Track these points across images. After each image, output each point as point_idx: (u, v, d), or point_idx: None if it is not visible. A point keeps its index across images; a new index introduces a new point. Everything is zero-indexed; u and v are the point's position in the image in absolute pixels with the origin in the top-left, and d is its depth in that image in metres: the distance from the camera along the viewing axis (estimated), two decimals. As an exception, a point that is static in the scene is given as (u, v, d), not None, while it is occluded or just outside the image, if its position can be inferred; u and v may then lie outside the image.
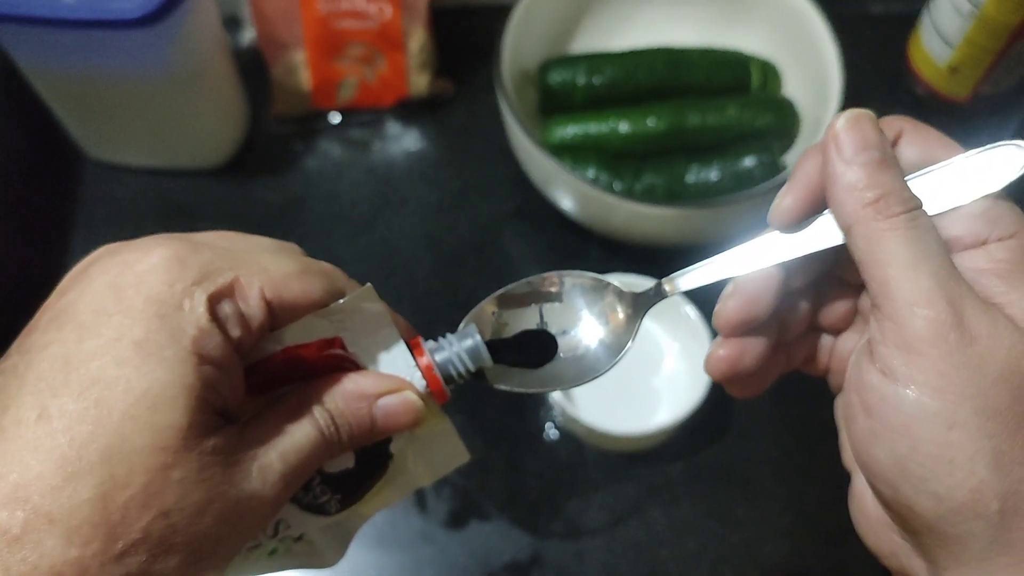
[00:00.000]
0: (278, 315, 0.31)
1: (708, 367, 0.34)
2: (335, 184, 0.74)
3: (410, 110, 0.77)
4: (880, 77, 0.79)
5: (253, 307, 0.30)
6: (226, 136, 0.74)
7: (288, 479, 0.30)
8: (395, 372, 0.33)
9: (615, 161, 0.67)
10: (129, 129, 0.69)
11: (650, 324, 0.64)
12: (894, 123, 0.31)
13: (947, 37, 0.71)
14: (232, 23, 0.78)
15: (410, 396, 0.33)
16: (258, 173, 0.74)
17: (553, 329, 0.35)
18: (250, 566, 0.33)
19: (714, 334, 0.58)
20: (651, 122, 0.68)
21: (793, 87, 0.71)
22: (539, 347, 0.35)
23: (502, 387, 0.35)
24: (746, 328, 0.33)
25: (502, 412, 0.64)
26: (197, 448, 0.27)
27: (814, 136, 0.64)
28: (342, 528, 0.35)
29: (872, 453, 0.30)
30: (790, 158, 0.68)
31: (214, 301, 0.29)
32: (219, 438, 0.28)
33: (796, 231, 0.32)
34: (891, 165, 0.30)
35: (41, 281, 0.64)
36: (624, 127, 0.68)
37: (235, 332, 0.29)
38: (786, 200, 0.32)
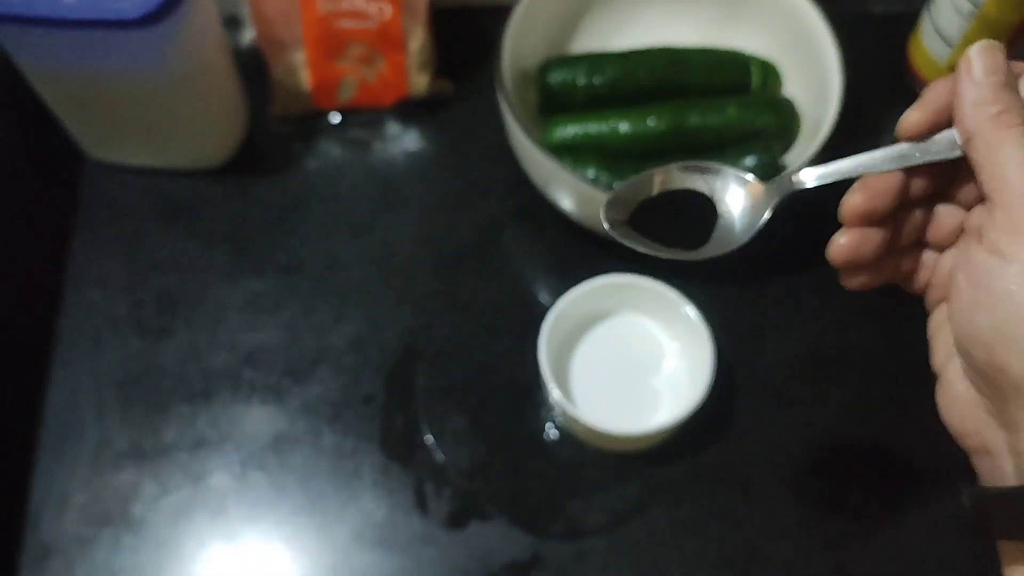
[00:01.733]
0: None
1: (831, 251, 0.39)
2: (335, 184, 0.74)
3: (410, 110, 0.77)
4: (880, 77, 0.79)
5: None
6: (226, 136, 0.74)
7: None
8: None
9: (615, 161, 0.67)
10: (129, 129, 0.69)
11: (650, 324, 0.64)
12: (1019, 64, 0.37)
13: (947, 37, 0.71)
14: (232, 23, 0.78)
15: None
16: (258, 173, 0.74)
17: (714, 199, 0.41)
18: None
19: (714, 335, 0.59)
20: (651, 122, 0.68)
21: (793, 87, 0.71)
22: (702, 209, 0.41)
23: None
24: (868, 220, 0.38)
25: (503, 413, 0.64)
26: None
27: (814, 136, 0.64)
28: None
29: (974, 320, 0.35)
30: (790, 158, 0.68)
31: None
32: None
33: (919, 143, 0.37)
34: (1014, 88, 0.35)
35: (41, 281, 0.64)
36: (624, 127, 0.68)
37: None
38: (914, 114, 0.37)
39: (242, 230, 0.72)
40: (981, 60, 0.35)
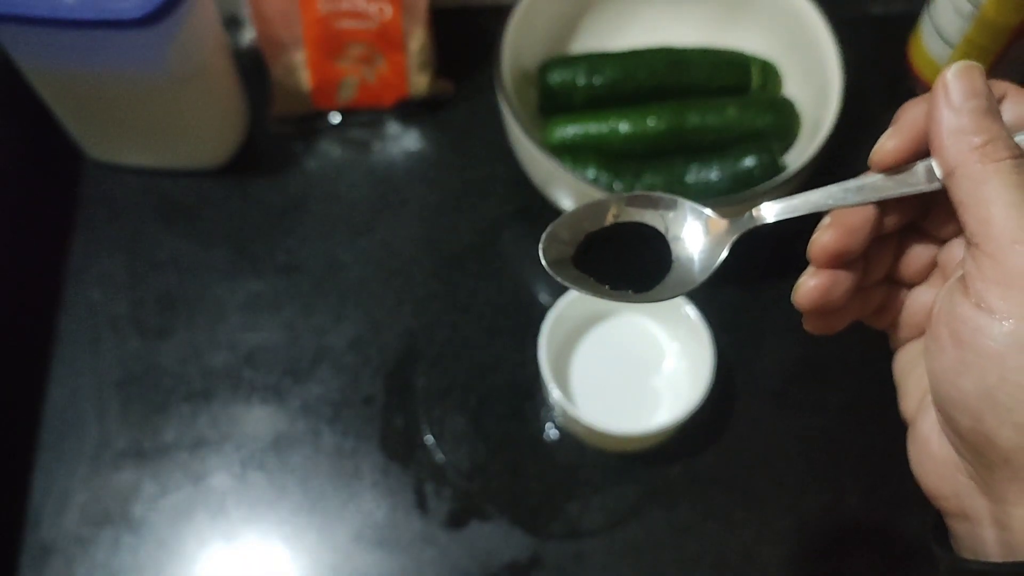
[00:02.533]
0: None
1: (798, 296, 0.36)
2: (335, 184, 0.74)
3: (410, 110, 0.77)
4: (880, 77, 0.79)
5: None
6: (226, 136, 0.74)
7: None
8: None
9: (615, 161, 0.67)
10: (129, 129, 0.69)
11: (650, 324, 0.64)
12: (999, 85, 0.33)
13: (947, 38, 0.71)
14: (232, 23, 0.78)
15: None
16: (258, 173, 0.74)
17: (669, 236, 0.37)
18: None
19: (714, 336, 0.59)
20: (651, 122, 0.68)
21: (793, 87, 0.71)
22: (656, 244, 0.37)
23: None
24: (839, 260, 0.34)
25: (503, 413, 0.64)
26: None
27: (814, 136, 0.64)
28: None
29: (958, 383, 0.30)
30: (790, 158, 0.68)
31: None
32: None
33: (894, 174, 0.33)
34: (997, 114, 0.31)
35: (41, 280, 0.64)
36: (624, 127, 0.68)
37: None
38: (889, 143, 0.33)
39: (242, 230, 0.72)
40: (959, 83, 0.31)
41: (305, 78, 0.74)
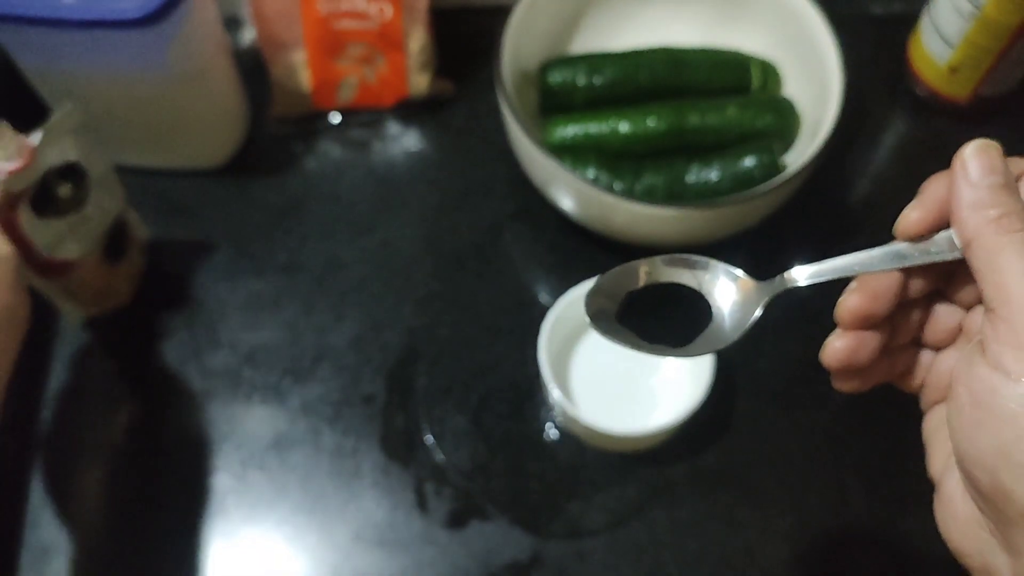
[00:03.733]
0: None
1: (825, 356, 0.37)
2: (335, 185, 0.74)
3: (410, 110, 0.77)
4: (880, 77, 0.79)
5: None
6: (226, 136, 0.74)
7: None
8: None
9: (615, 161, 0.67)
10: (129, 129, 0.69)
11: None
12: (1017, 162, 0.35)
13: (947, 37, 0.71)
14: (232, 23, 0.78)
15: None
16: (258, 173, 0.74)
17: (704, 294, 0.40)
18: None
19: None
20: (651, 122, 0.68)
21: (793, 87, 0.71)
22: (691, 302, 0.40)
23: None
24: (865, 323, 0.36)
25: (503, 413, 0.65)
26: None
27: (814, 136, 0.64)
28: None
29: (976, 441, 0.32)
30: (790, 158, 0.69)
31: None
32: None
33: (918, 243, 0.36)
34: (1014, 189, 0.33)
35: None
36: (624, 127, 0.68)
37: None
38: (913, 214, 0.35)
39: (242, 230, 0.72)
40: (977, 160, 0.33)
41: (305, 78, 0.74)
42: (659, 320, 0.40)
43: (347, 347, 0.67)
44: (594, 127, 0.68)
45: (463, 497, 0.62)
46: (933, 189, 0.35)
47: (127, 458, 0.63)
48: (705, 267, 0.40)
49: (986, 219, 0.33)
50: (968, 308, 0.38)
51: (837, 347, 0.37)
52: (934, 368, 0.39)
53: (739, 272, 0.40)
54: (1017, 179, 0.34)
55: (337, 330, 0.68)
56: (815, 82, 0.67)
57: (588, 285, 0.60)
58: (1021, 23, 0.66)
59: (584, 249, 0.70)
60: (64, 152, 0.58)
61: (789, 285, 0.38)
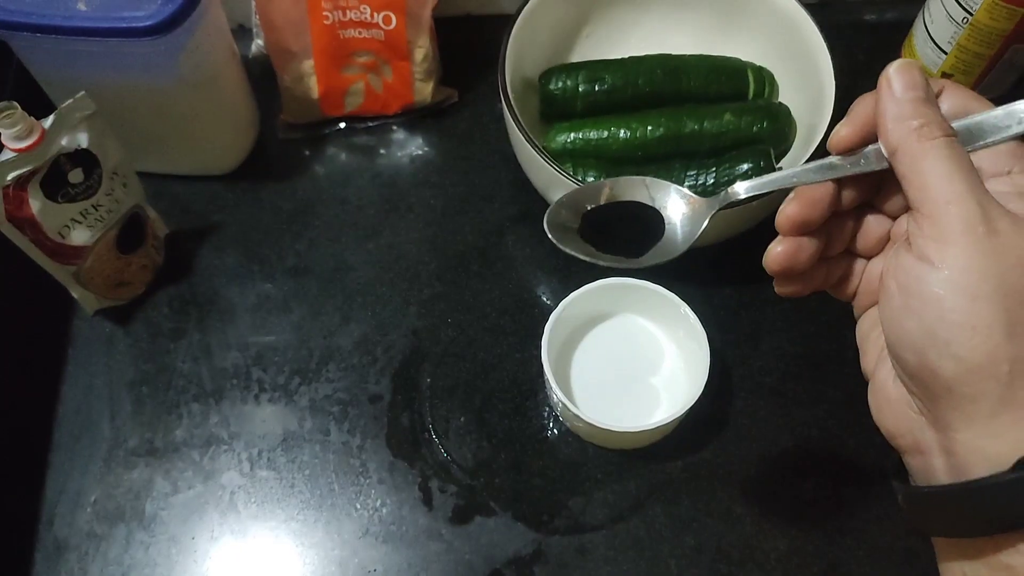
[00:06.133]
0: None
1: (767, 260, 0.40)
2: (342, 189, 0.75)
3: (415, 117, 0.78)
4: (874, 83, 0.79)
5: None
6: (237, 143, 0.75)
7: None
8: None
9: (615, 166, 0.68)
10: (141, 136, 0.70)
11: (650, 325, 0.65)
12: (937, 81, 0.38)
13: (940, 43, 0.72)
14: (242, 32, 0.79)
15: None
16: (267, 179, 0.76)
17: (657, 206, 0.44)
18: None
19: (711, 335, 0.60)
20: (650, 128, 0.69)
21: (788, 94, 0.72)
22: (645, 221, 0.44)
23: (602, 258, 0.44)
24: (802, 228, 0.39)
25: (506, 412, 0.66)
26: None
27: (809, 142, 0.65)
28: None
29: (904, 325, 0.35)
30: (786, 163, 0.69)
31: None
32: None
33: (848, 156, 0.39)
34: (933, 102, 0.36)
35: (56, 284, 0.65)
36: (624, 133, 0.69)
37: None
38: (844, 130, 0.38)
39: (252, 234, 0.73)
40: (900, 77, 0.36)
41: (313, 86, 0.75)
42: (616, 236, 0.45)
43: (354, 348, 0.68)
44: (594, 133, 0.69)
45: (467, 494, 0.63)
46: (861, 108, 0.38)
47: (139, 456, 0.65)
48: (659, 187, 0.44)
49: (909, 129, 0.35)
50: (894, 218, 0.40)
51: (778, 251, 0.40)
52: (866, 275, 0.42)
53: (685, 189, 0.44)
54: (937, 95, 0.38)
55: (344, 331, 0.69)
56: (810, 88, 0.68)
57: (588, 286, 0.61)
58: (1012, 29, 0.67)
59: (585, 252, 0.71)
60: (76, 139, 0.59)
61: (733, 199, 0.41)
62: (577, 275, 0.63)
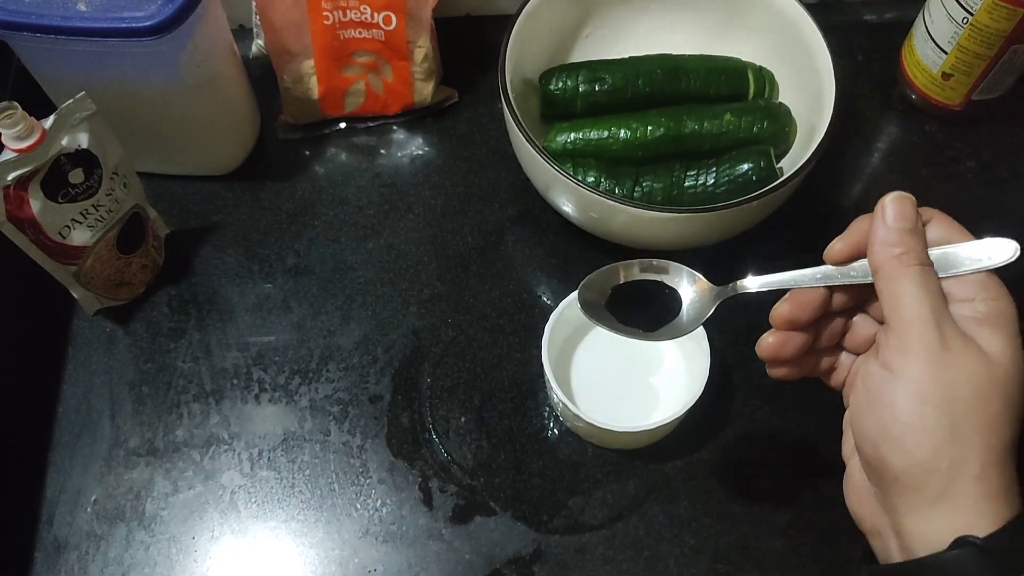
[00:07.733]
0: None
1: (759, 348, 0.47)
2: (343, 190, 0.75)
3: (415, 118, 0.78)
4: (874, 83, 0.80)
5: None
6: (238, 143, 0.75)
7: None
8: None
9: (615, 167, 0.68)
10: (141, 137, 0.70)
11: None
12: (929, 211, 0.44)
13: (940, 44, 0.72)
14: (242, 32, 0.79)
15: None
16: (268, 179, 0.76)
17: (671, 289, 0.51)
18: None
19: (711, 336, 0.60)
20: (650, 128, 0.69)
21: (789, 94, 0.72)
22: (664, 301, 0.51)
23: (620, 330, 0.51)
24: (792, 325, 0.46)
25: (506, 412, 0.66)
26: None
27: (809, 142, 0.65)
28: None
29: (865, 421, 0.42)
30: (786, 163, 0.69)
31: None
32: None
33: (841, 268, 0.45)
34: (918, 234, 0.42)
35: (57, 283, 0.65)
36: (624, 133, 0.69)
37: None
38: (838, 244, 0.44)
39: (252, 234, 0.73)
40: (893, 207, 0.42)
41: (313, 86, 0.75)
42: (639, 311, 0.51)
43: (354, 348, 0.68)
44: (594, 133, 0.69)
45: (467, 493, 0.63)
46: (857, 227, 0.44)
47: (139, 456, 0.65)
48: (670, 270, 0.50)
49: (891, 254, 0.41)
50: (882, 322, 0.44)
51: (769, 342, 0.46)
52: (853, 368, 0.47)
53: (698, 275, 0.50)
54: (926, 222, 0.43)
55: (344, 331, 0.69)
56: (810, 88, 0.68)
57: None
58: (1012, 29, 0.67)
59: (584, 252, 0.71)
60: (76, 139, 0.60)
61: (739, 291, 0.47)
62: (577, 275, 0.63)
